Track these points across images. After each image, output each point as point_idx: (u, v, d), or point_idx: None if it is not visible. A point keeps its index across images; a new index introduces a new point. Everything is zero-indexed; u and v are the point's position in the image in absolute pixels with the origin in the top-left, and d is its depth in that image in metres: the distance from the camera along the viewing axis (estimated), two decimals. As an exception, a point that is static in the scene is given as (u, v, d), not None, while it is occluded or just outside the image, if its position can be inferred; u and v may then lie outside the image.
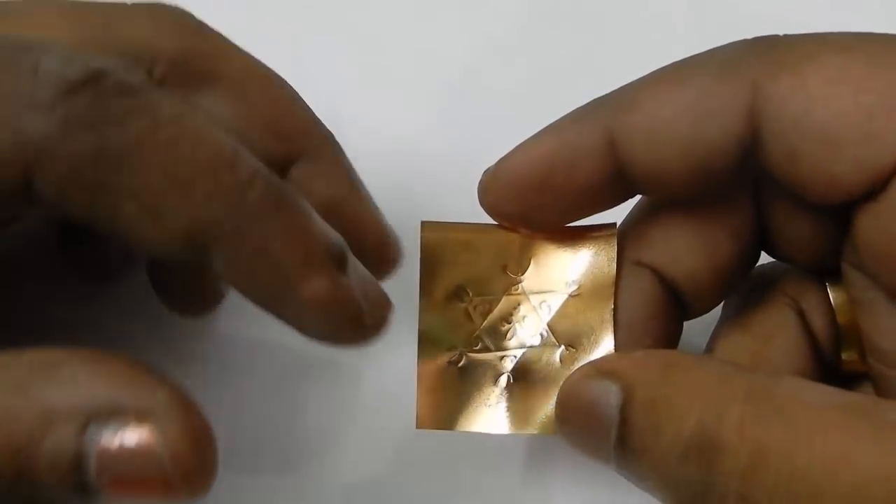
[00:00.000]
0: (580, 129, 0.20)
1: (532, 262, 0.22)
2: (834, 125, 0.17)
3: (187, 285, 0.23)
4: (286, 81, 0.23)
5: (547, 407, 0.21)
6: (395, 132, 0.30)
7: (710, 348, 0.22)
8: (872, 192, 0.18)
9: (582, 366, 0.20)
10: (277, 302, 0.18)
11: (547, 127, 0.20)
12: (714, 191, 0.20)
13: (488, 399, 0.21)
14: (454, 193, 0.28)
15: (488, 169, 0.21)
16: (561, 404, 0.19)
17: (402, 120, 0.30)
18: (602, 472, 0.25)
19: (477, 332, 0.22)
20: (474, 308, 0.22)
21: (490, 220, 0.22)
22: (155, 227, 0.17)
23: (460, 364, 0.22)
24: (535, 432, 0.21)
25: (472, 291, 0.22)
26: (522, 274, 0.22)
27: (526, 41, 0.32)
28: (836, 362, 0.21)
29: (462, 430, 0.21)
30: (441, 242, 0.21)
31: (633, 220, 0.22)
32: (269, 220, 0.18)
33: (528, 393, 0.21)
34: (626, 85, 0.20)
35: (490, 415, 0.21)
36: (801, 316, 0.21)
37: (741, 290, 0.22)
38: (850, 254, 0.20)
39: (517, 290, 0.22)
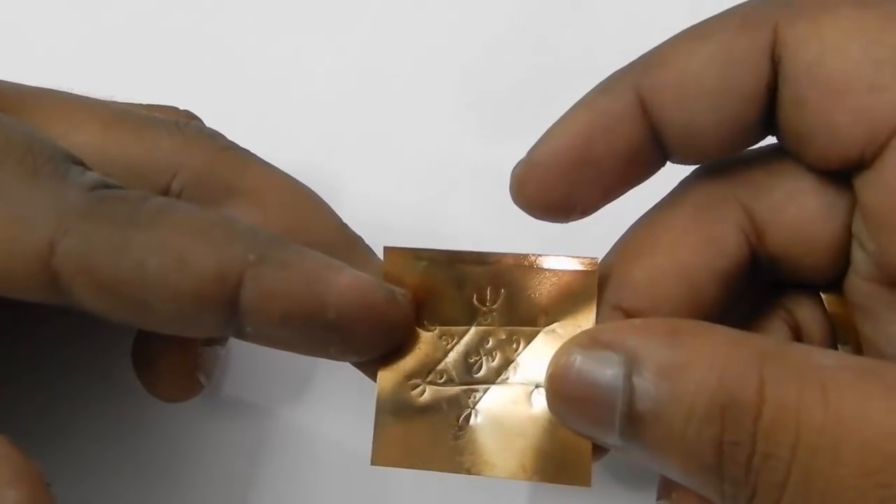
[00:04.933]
0: (611, 96, 0.20)
1: (504, 293, 0.20)
2: (842, 74, 0.18)
3: (168, 373, 0.24)
4: (311, 190, 0.23)
5: (513, 447, 0.20)
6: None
7: None
8: (872, 154, 0.18)
9: (574, 336, 0.19)
10: (316, 306, 0.18)
11: (577, 103, 0.20)
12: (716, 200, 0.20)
13: (451, 437, 0.20)
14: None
15: (520, 161, 0.20)
16: (555, 379, 0.18)
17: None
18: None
19: (442, 364, 0.20)
20: (440, 338, 0.20)
21: (461, 247, 0.21)
22: (184, 275, 0.17)
23: (422, 398, 0.20)
24: (500, 475, 0.20)
25: (438, 321, 0.20)
26: (494, 305, 0.20)
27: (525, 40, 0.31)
28: None
29: (421, 469, 0.20)
30: (405, 269, 0.20)
31: (614, 262, 0.21)
32: (285, 243, 0.19)
33: (494, 432, 0.20)
34: (652, 48, 0.20)
35: (451, 454, 0.20)
36: (797, 330, 0.21)
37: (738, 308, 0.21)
38: (857, 252, 0.19)
39: (488, 321, 0.20)
